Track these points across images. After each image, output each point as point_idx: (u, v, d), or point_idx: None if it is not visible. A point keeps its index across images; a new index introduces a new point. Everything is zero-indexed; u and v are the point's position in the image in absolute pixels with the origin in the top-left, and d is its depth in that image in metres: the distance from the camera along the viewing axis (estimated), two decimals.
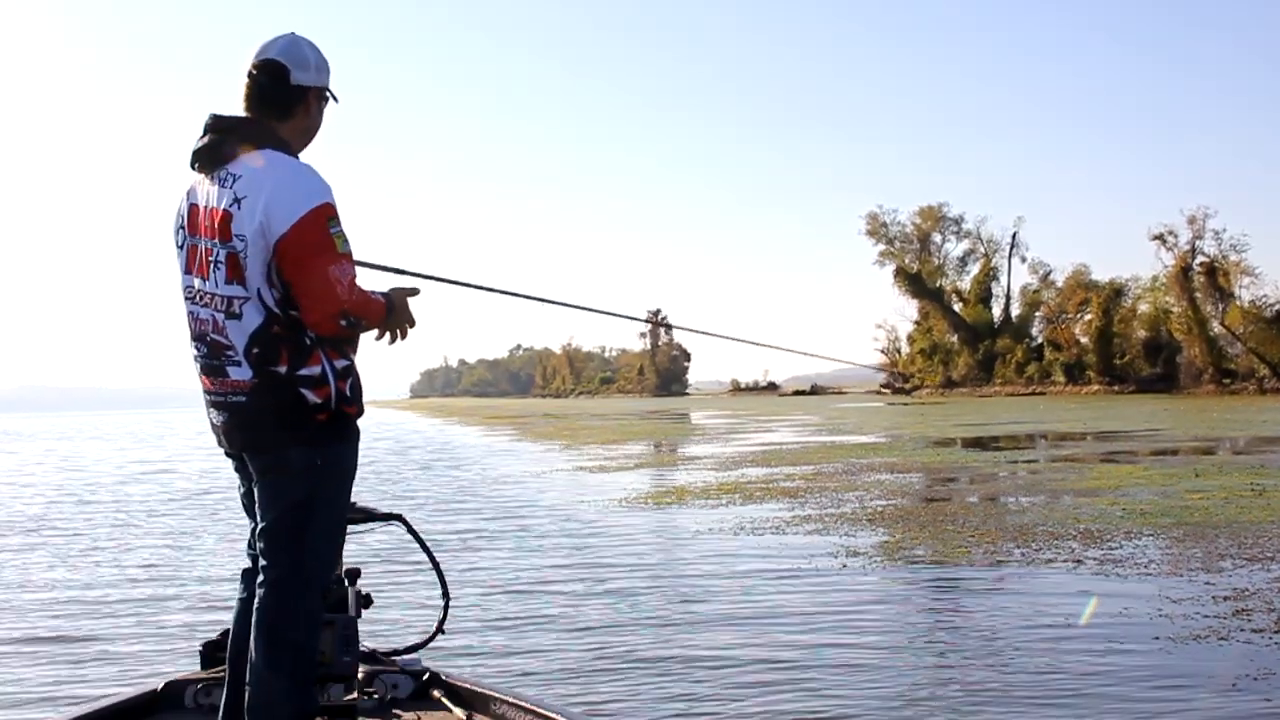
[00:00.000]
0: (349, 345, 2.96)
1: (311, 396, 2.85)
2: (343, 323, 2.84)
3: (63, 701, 5.29)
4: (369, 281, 3.11)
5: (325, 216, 2.79)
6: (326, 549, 3.02)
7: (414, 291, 3.12)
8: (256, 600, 2.95)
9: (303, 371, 2.84)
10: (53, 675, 5.98)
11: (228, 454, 3.08)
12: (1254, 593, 7.05)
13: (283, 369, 2.84)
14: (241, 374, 2.87)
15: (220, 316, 2.85)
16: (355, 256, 2.95)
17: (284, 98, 2.93)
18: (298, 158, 2.94)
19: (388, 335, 3.10)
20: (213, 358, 2.90)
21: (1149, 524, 10.14)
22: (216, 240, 2.83)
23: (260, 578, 2.96)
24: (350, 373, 2.93)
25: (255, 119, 2.92)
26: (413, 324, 3.11)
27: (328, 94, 3.02)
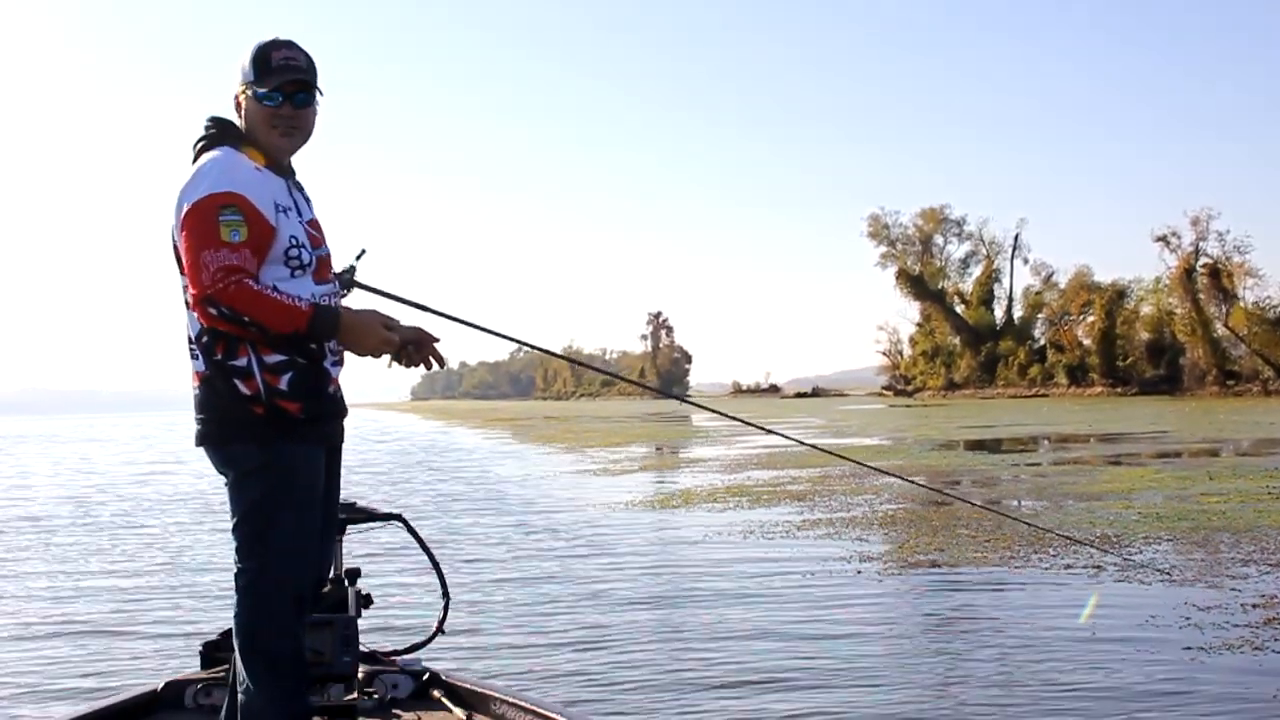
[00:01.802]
0: (287, 341, 2.86)
1: (242, 388, 2.86)
2: (212, 311, 2.76)
3: (63, 701, 5.26)
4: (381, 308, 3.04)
5: (218, 204, 2.78)
6: (293, 551, 2.92)
7: (400, 330, 2.99)
8: (235, 604, 2.95)
9: (232, 362, 2.86)
10: (53, 675, 5.98)
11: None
12: None
13: (220, 357, 2.87)
14: (198, 365, 2.93)
15: (185, 310, 2.93)
16: (368, 282, 3.01)
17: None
18: (258, 156, 2.93)
19: (376, 357, 3.00)
20: (189, 351, 2.97)
21: (1167, 528, 9.94)
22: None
23: (235, 581, 2.96)
24: (289, 368, 2.87)
25: (226, 121, 3.00)
26: (381, 348, 2.96)
27: (247, 90, 2.96)
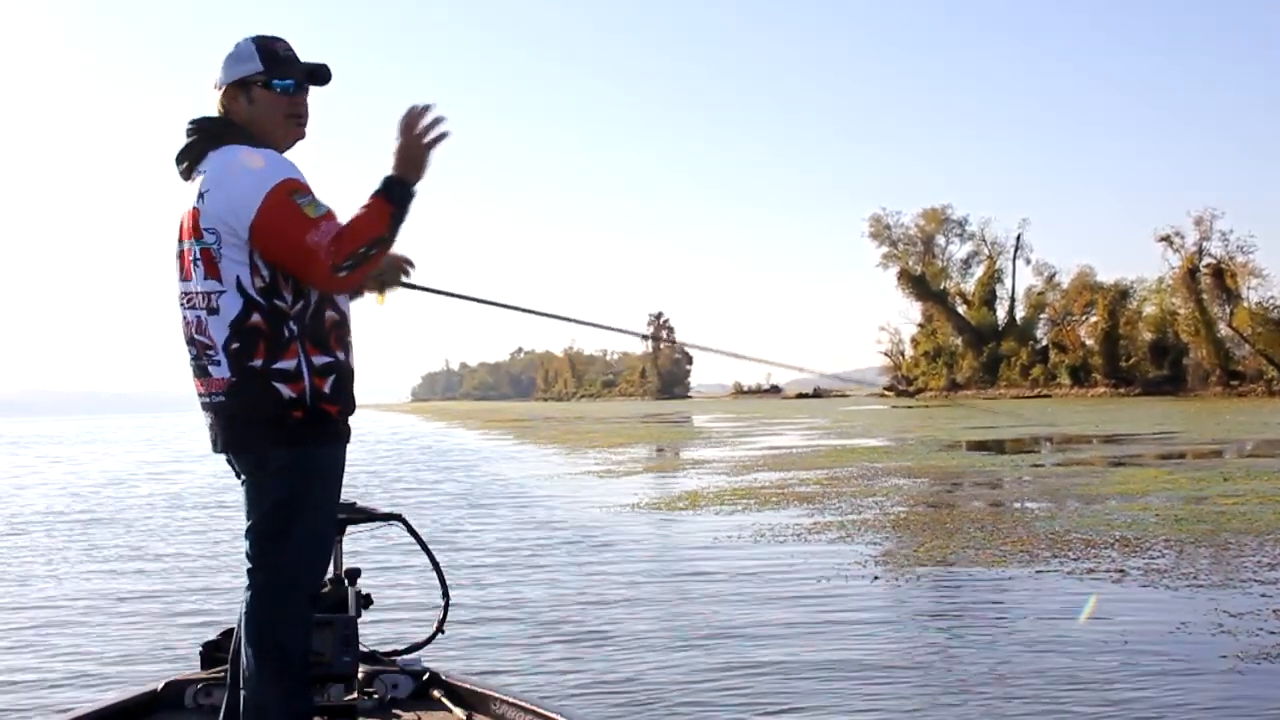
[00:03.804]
0: (335, 337, 2.90)
1: (286, 391, 2.81)
2: (342, 274, 2.76)
3: (63, 701, 5.22)
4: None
5: (287, 191, 2.77)
6: (312, 551, 2.97)
7: (416, 119, 2.83)
8: (245, 602, 2.94)
9: (278, 365, 2.81)
10: (53, 675, 5.93)
11: (227, 457, 3.06)
12: None
13: (259, 363, 2.81)
14: (221, 372, 2.86)
15: (203, 315, 2.87)
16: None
17: (221, 103, 2.98)
18: (269, 148, 2.93)
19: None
20: (199, 359, 2.91)
21: (1187, 531, 9.70)
22: (192, 239, 2.88)
23: (248, 580, 2.95)
24: (332, 370, 2.88)
25: (222, 119, 2.99)
26: (429, 156, 2.86)
27: (250, 81, 2.93)
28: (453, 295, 3.46)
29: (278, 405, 2.81)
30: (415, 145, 2.81)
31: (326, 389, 2.85)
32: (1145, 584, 7.45)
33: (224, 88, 2.93)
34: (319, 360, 2.84)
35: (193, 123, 2.96)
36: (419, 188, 2.85)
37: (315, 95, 3.05)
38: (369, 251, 2.77)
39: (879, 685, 5.27)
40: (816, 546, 9.66)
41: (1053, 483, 14.97)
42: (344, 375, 2.90)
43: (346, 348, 2.93)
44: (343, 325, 2.92)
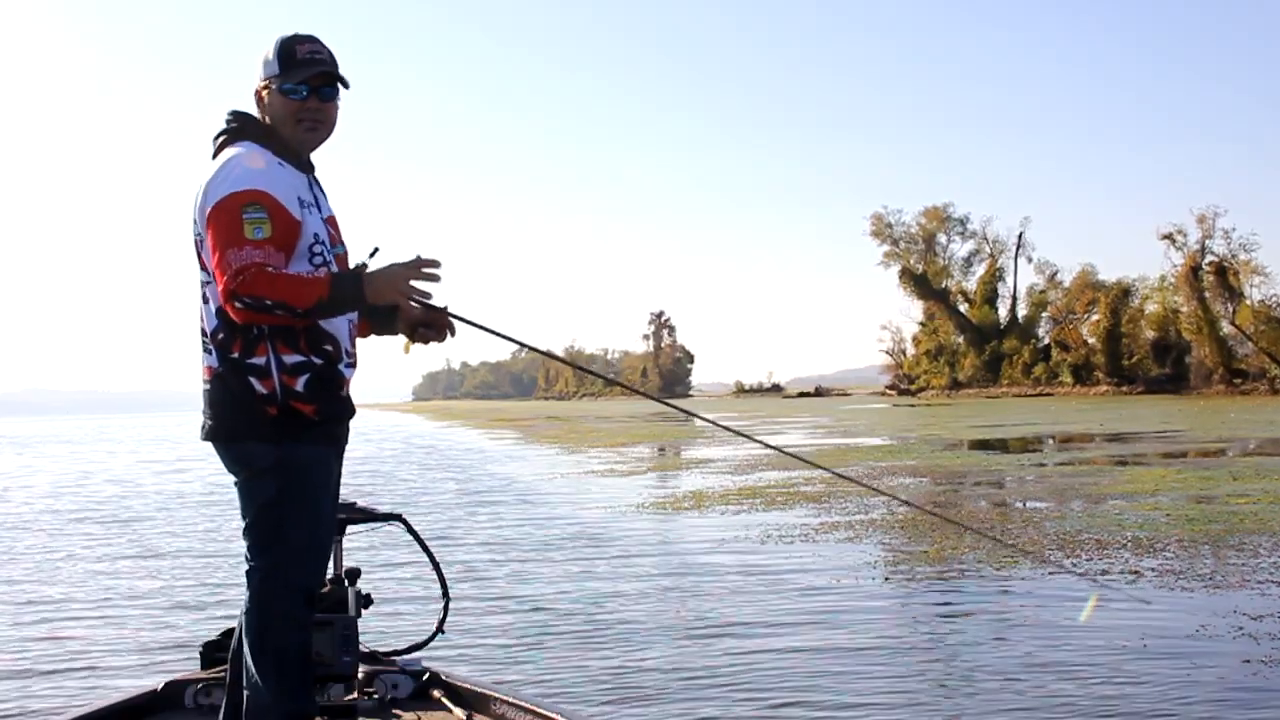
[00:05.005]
0: (306, 339, 2.87)
1: (258, 386, 2.85)
2: (238, 305, 2.73)
3: (63, 700, 5.21)
4: None
5: (242, 202, 2.78)
6: (304, 551, 2.95)
7: (419, 268, 2.81)
8: (244, 602, 2.97)
9: (251, 360, 2.85)
10: (53, 674, 5.89)
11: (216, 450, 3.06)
12: None
13: (236, 355, 2.85)
14: (211, 361, 2.91)
15: (201, 304, 2.94)
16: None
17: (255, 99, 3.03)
18: (281, 149, 2.94)
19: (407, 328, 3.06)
20: (202, 346, 2.96)
21: (1200, 531, 9.57)
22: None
23: (246, 580, 2.97)
24: (305, 370, 2.88)
25: (247, 116, 3.01)
26: (411, 291, 2.84)
27: (271, 84, 2.96)
28: (488, 331, 3.33)
29: (253, 399, 2.85)
30: (399, 278, 2.79)
31: (298, 387, 2.86)
32: (1160, 585, 7.32)
33: (256, 89, 2.98)
34: (290, 359, 2.86)
35: (229, 114, 3.01)
36: (366, 305, 2.83)
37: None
38: (272, 308, 2.73)
39: (887, 685, 5.15)
40: (824, 546, 9.54)
41: (1061, 482, 14.83)
42: (321, 377, 2.89)
43: (325, 353, 2.90)
44: (315, 330, 2.88)
